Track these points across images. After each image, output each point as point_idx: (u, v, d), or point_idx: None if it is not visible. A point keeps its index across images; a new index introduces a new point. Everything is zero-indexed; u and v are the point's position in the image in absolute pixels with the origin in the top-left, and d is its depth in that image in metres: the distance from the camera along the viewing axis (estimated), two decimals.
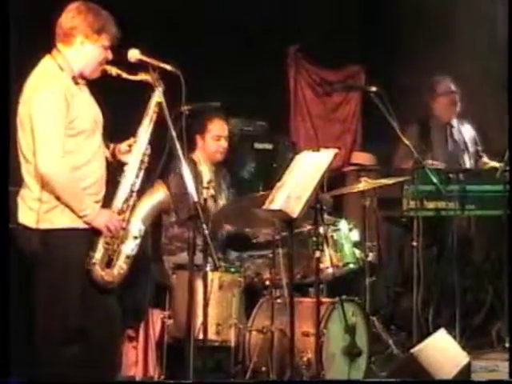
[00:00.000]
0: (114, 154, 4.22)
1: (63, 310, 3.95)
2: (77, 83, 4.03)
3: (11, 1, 4.01)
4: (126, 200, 4.07)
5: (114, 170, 4.17)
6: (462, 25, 6.90)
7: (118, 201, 4.06)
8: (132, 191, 4.09)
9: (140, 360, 4.95)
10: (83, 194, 3.95)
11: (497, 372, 5.42)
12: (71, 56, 4.02)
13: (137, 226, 4.08)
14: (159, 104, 4.12)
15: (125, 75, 4.10)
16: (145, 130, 4.14)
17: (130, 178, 4.09)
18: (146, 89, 4.14)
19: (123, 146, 4.21)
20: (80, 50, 4.02)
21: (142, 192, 4.13)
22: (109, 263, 4.00)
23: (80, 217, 3.93)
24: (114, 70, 4.10)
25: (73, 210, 3.92)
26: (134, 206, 4.08)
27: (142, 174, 4.12)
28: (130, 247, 4.05)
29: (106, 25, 4.03)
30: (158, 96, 4.12)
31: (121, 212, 4.05)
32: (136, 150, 4.13)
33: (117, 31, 4.08)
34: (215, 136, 5.58)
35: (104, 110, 4.20)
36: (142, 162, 4.12)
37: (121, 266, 4.02)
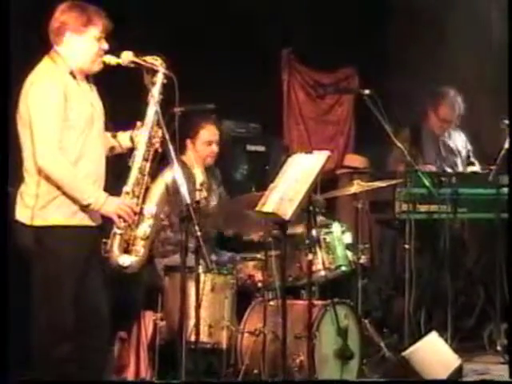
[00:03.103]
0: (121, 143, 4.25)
1: (56, 309, 3.95)
2: (74, 77, 4.05)
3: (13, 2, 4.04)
4: (138, 183, 4.10)
5: (124, 157, 4.19)
6: (457, 30, 6.91)
7: (129, 184, 4.09)
8: (142, 174, 4.12)
9: (132, 362, 4.93)
10: (85, 184, 3.97)
11: (488, 375, 5.43)
12: (65, 53, 4.06)
13: (150, 208, 4.11)
14: (163, 85, 4.14)
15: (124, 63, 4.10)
16: (150, 112, 4.16)
17: (139, 161, 4.12)
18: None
19: (129, 133, 4.25)
20: (70, 45, 4.05)
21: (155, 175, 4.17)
22: (126, 248, 4.04)
23: (85, 206, 3.95)
24: (112, 60, 4.10)
25: (77, 201, 3.94)
26: (147, 189, 4.12)
27: (151, 155, 4.15)
28: (144, 229, 4.08)
29: (91, 17, 4.06)
30: (161, 78, 4.15)
31: (133, 196, 4.08)
32: (142, 133, 4.16)
33: (107, 22, 4.09)
34: (206, 142, 5.56)
35: (108, 100, 4.21)
36: (149, 144, 4.14)
37: (138, 249, 4.06)
